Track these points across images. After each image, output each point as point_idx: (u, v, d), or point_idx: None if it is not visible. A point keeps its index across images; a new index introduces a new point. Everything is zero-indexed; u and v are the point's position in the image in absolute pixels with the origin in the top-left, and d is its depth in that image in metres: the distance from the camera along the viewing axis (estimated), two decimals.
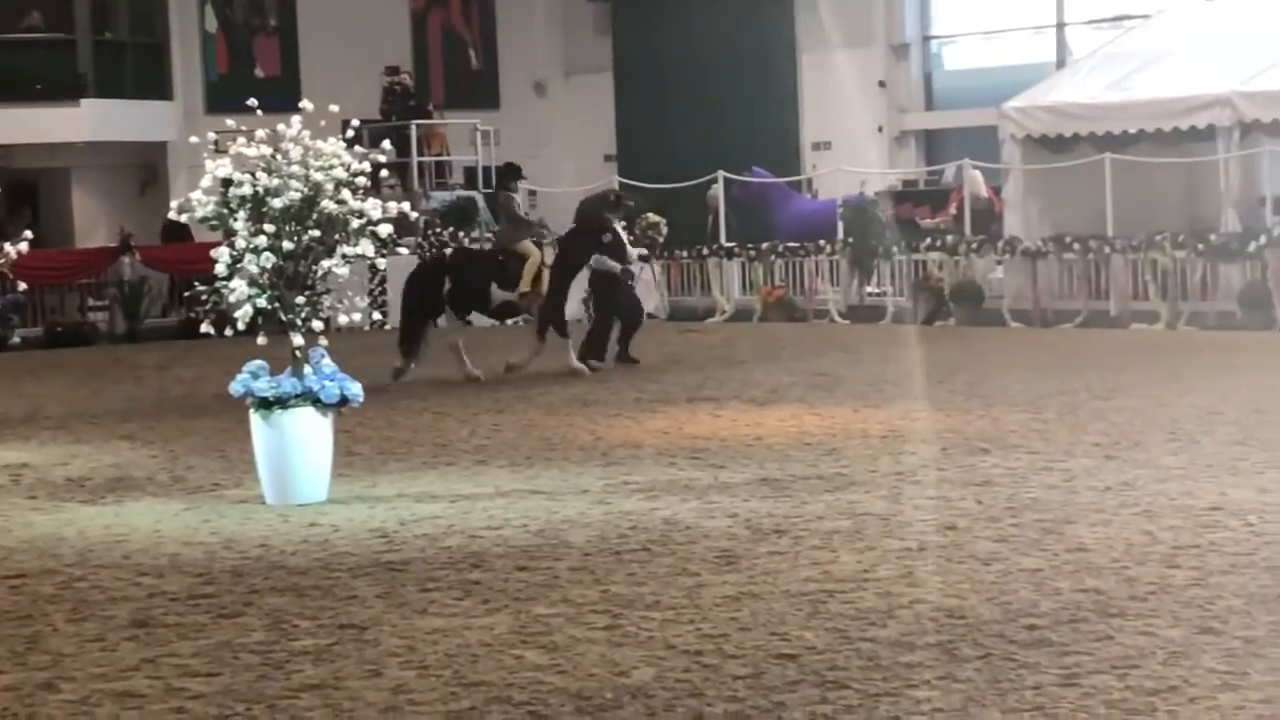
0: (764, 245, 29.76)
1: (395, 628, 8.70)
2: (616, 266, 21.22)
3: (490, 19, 39.28)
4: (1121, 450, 13.51)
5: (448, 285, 21.01)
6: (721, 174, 30.66)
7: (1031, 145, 26.67)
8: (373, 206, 12.36)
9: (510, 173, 22.63)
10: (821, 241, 29.06)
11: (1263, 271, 23.52)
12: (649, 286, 30.03)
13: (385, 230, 12.45)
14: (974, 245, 26.84)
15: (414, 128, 34.12)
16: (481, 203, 33.59)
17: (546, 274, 20.93)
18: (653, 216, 30.35)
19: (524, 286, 20.95)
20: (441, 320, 21.09)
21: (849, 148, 34.11)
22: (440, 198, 33.98)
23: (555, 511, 11.74)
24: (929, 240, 27.72)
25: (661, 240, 30.39)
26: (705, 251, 30.40)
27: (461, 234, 31.48)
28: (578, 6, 38.58)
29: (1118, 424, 14.95)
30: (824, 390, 18.47)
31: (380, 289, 30.10)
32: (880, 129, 34.96)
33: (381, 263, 17.25)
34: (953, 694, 7.26)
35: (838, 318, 28.28)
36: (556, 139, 38.16)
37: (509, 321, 22.69)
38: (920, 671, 7.60)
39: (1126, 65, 26.87)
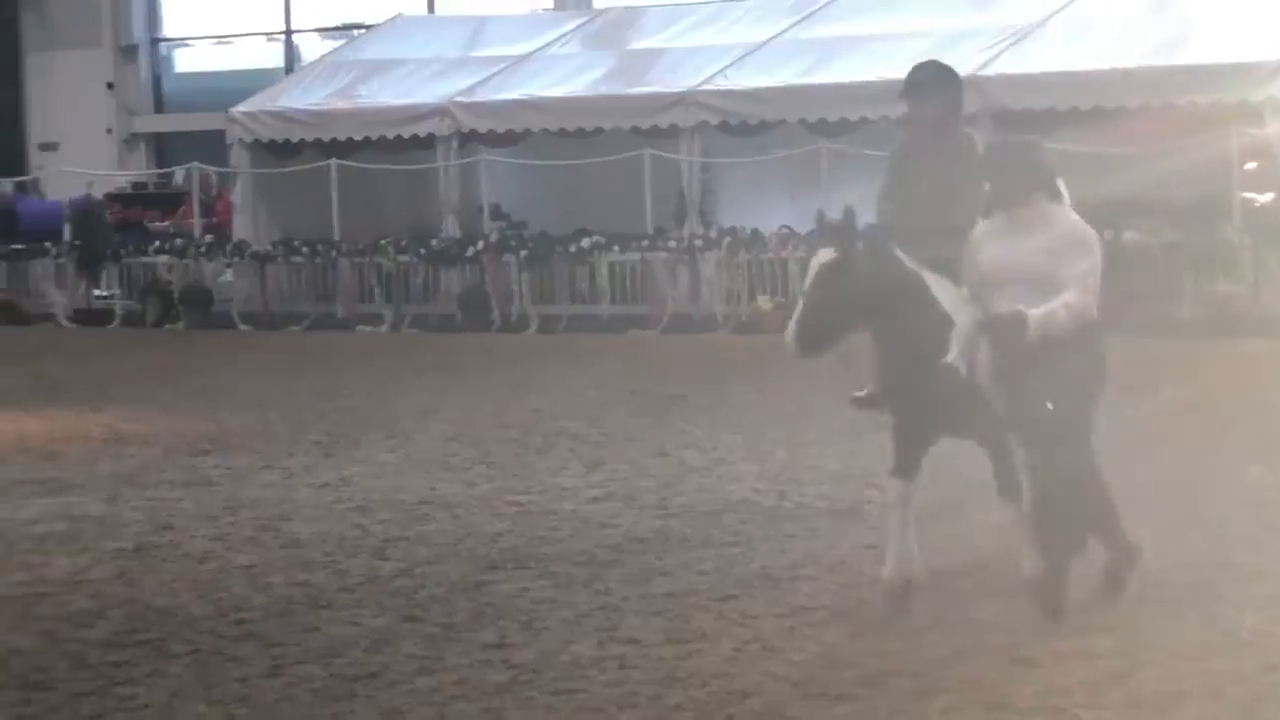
0: None
1: None
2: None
3: None
4: (340, 448, 13.84)
5: None
6: None
7: (260, 150, 26.83)
8: None
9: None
10: (47, 244, 28.41)
11: (481, 275, 24.45)
12: None
13: None
14: (203, 248, 26.81)
15: None
16: None
17: None
18: None
19: None
20: None
21: (77, 149, 33.60)
22: None
23: None
24: (158, 243, 27.51)
25: None
26: None
27: None
28: None
29: (339, 423, 15.29)
30: (45, 394, 18.11)
31: None
32: (109, 131, 34.56)
33: None
34: (159, 689, 7.36)
35: (65, 321, 27.71)
36: None
37: None
38: (128, 669, 7.66)
39: (352, 73, 27.42)
